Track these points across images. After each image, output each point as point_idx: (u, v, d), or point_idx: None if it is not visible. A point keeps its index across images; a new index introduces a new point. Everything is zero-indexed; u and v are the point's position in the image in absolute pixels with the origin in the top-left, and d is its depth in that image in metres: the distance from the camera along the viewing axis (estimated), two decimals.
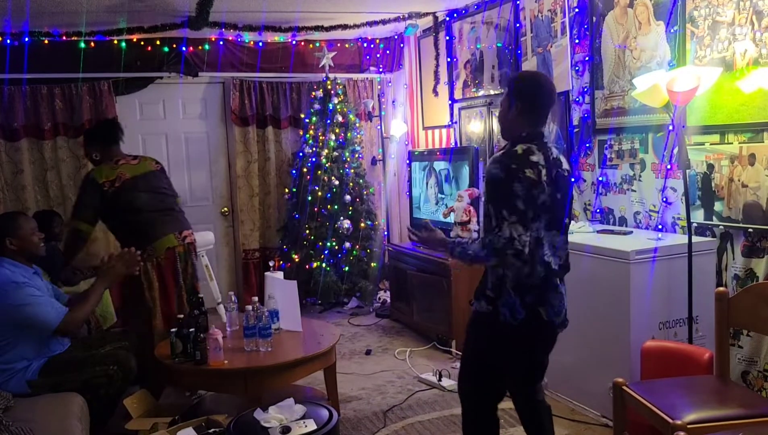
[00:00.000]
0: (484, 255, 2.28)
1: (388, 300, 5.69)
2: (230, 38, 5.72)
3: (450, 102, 5.51)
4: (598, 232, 3.59)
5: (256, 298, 3.43)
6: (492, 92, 4.98)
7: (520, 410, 2.57)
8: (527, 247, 2.22)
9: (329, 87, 5.83)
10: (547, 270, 2.33)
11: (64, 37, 5.16)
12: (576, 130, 4.09)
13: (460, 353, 2.75)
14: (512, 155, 2.30)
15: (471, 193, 4.54)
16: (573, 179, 2.43)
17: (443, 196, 5.10)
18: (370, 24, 5.49)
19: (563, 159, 2.43)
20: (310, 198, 5.76)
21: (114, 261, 3.28)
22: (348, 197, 5.77)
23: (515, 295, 2.33)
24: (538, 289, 2.33)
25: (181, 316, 3.33)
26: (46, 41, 5.14)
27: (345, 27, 5.47)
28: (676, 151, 3.28)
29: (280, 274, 3.90)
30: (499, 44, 4.83)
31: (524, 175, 2.24)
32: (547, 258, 2.32)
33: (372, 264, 5.87)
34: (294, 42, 5.95)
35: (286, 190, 6.04)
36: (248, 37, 5.74)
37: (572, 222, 3.87)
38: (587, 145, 4.01)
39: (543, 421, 2.51)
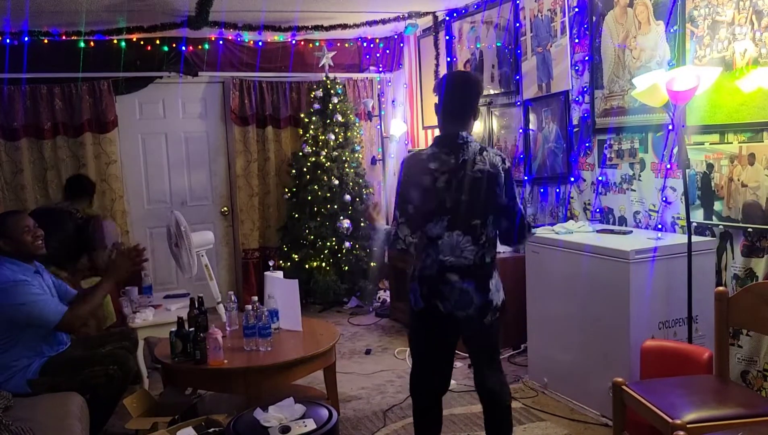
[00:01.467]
0: (378, 247, 2.60)
1: (388, 299, 5.70)
2: (230, 38, 5.72)
3: None
4: (597, 231, 3.59)
5: (255, 298, 3.43)
6: (492, 92, 4.98)
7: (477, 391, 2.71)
8: (411, 247, 2.49)
9: (329, 86, 5.83)
10: (442, 267, 2.49)
11: (64, 37, 5.16)
12: (576, 129, 4.09)
13: (458, 353, 2.83)
14: (416, 158, 2.53)
15: None
16: (500, 175, 2.50)
17: None
18: (370, 23, 5.49)
19: (486, 158, 2.47)
20: (309, 197, 5.77)
21: (119, 259, 3.26)
22: (348, 197, 5.77)
23: (417, 286, 2.55)
24: (431, 282, 2.51)
25: None
26: (46, 41, 5.14)
27: (345, 26, 5.47)
28: (675, 150, 3.28)
29: (279, 274, 3.90)
30: (498, 44, 4.83)
31: (409, 176, 2.49)
32: (443, 256, 2.48)
33: (372, 263, 5.88)
34: (293, 41, 5.95)
35: (286, 190, 6.04)
36: (248, 37, 5.75)
37: (572, 221, 3.88)
38: (587, 144, 4.01)
39: (490, 408, 2.64)
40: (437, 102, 2.58)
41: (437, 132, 2.72)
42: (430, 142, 6.18)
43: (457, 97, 2.53)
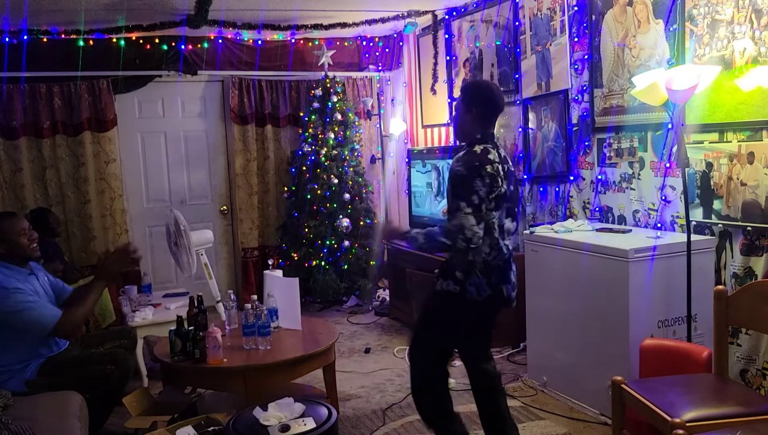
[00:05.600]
0: (436, 241, 2.59)
1: (387, 298, 5.70)
2: (229, 36, 5.72)
3: (449, 100, 5.51)
4: (597, 230, 3.59)
5: (255, 297, 3.42)
6: None
7: (470, 377, 2.87)
8: (476, 238, 2.51)
9: (328, 85, 5.83)
10: (505, 252, 2.71)
11: (63, 35, 5.15)
12: (575, 128, 4.09)
13: (457, 351, 2.97)
14: (474, 154, 2.62)
15: None
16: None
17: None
18: (369, 22, 5.49)
19: (508, 157, 2.79)
20: (309, 196, 5.77)
21: (110, 259, 3.19)
22: (347, 195, 5.77)
23: (482, 276, 2.65)
24: (500, 270, 2.69)
25: None
26: (45, 39, 5.13)
27: (344, 25, 5.47)
28: (675, 149, 3.28)
29: (279, 273, 3.90)
30: (498, 42, 4.83)
31: (485, 171, 2.57)
32: (505, 242, 2.72)
33: (371, 262, 5.88)
34: (293, 40, 5.95)
35: (285, 189, 6.04)
36: (247, 36, 5.74)
37: (571, 220, 3.88)
38: (586, 143, 4.01)
39: (494, 386, 2.81)
40: (477, 110, 2.70)
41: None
42: (429, 141, 6.22)
43: (497, 107, 2.77)
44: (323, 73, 5.88)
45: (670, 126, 3.23)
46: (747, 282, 2.98)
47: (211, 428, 2.67)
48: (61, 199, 5.45)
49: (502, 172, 2.62)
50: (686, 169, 3.00)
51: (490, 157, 2.61)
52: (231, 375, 3.12)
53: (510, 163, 2.75)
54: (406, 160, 5.82)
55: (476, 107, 2.71)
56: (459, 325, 2.75)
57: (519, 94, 4.61)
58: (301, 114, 6.00)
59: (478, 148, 2.63)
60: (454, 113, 2.82)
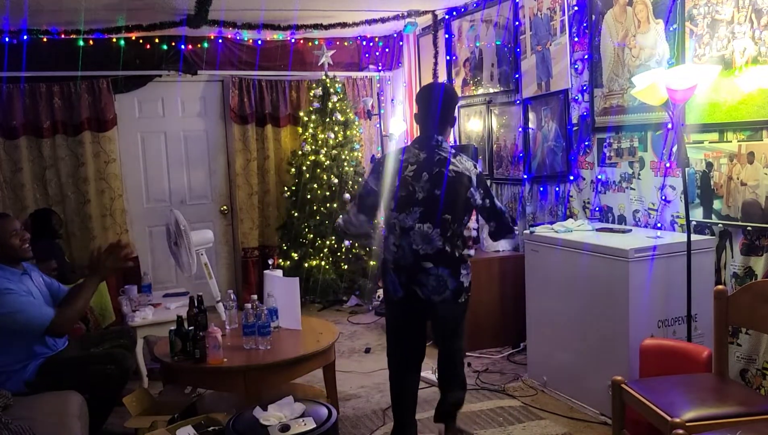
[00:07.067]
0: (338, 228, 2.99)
1: None
2: (229, 36, 5.72)
3: None
4: (597, 230, 3.59)
5: (255, 296, 3.42)
6: (491, 90, 4.98)
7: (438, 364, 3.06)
8: (348, 225, 2.85)
9: (328, 85, 5.83)
10: (416, 256, 2.72)
11: (63, 35, 5.16)
12: (575, 128, 4.09)
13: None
14: (393, 152, 2.82)
15: None
16: (472, 178, 2.79)
17: None
18: (369, 22, 5.49)
19: (459, 162, 2.77)
20: (309, 196, 5.77)
21: (104, 255, 3.16)
22: (347, 195, 5.77)
23: (394, 274, 2.79)
24: (409, 271, 2.75)
25: None
26: (45, 39, 5.14)
27: (344, 25, 5.47)
28: (675, 149, 3.28)
29: (279, 273, 3.90)
30: (498, 42, 4.83)
31: (388, 171, 2.72)
32: (416, 246, 2.72)
33: (371, 262, 5.88)
34: (293, 40, 5.95)
35: (285, 189, 6.04)
36: (247, 35, 5.75)
37: (571, 220, 3.88)
38: (586, 143, 4.01)
39: (452, 384, 2.99)
40: (417, 111, 2.88)
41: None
42: None
43: (436, 107, 2.79)
44: (323, 73, 5.88)
45: (670, 126, 3.23)
46: (747, 282, 2.98)
47: (211, 428, 2.67)
48: (61, 198, 5.46)
49: (411, 173, 2.72)
50: (686, 169, 3.00)
51: (403, 157, 2.77)
52: (231, 375, 3.11)
53: (453, 168, 2.73)
54: None
55: (416, 110, 2.90)
56: (392, 321, 2.98)
57: (519, 94, 4.61)
58: (301, 114, 6.00)
59: (397, 148, 2.83)
60: None
